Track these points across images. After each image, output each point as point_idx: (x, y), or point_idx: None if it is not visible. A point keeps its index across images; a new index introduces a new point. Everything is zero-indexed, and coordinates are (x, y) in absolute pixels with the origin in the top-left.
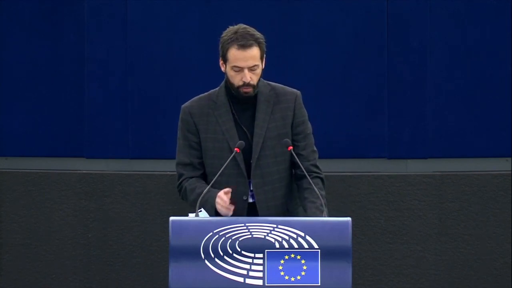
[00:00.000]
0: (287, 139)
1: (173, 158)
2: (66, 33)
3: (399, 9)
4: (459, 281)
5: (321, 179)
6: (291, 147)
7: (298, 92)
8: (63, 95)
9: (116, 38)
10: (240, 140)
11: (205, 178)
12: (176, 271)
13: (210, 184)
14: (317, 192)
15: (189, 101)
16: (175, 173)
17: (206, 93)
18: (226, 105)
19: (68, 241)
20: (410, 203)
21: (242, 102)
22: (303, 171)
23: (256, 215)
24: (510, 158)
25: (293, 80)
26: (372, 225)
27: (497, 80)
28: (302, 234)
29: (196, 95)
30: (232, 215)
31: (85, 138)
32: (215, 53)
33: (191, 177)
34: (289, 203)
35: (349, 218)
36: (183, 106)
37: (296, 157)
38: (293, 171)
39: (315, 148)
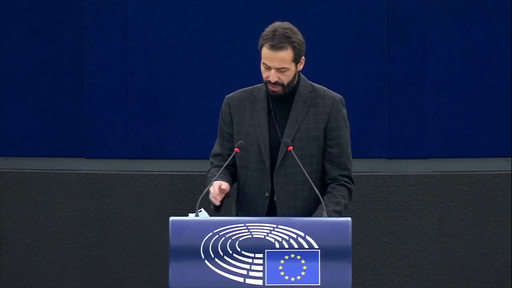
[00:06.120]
0: (287, 139)
1: (173, 158)
2: (66, 32)
3: (399, 9)
4: (459, 281)
5: (348, 189)
6: (291, 147)
7: (339, 97)
8: (63, 95)
9: (116, 38)
10: (270, 137)
11: (235, 169)
12: (176, 271)
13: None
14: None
15: (234, 92)
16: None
17: (250, 87)
18: (263, 101)
19: (68, 241)
20: (410, 203)
21: (281, 100)
22: (329, 179)
23: (276, 213)
24: (510, 158)
25: None
26: (372, 225)
27: (497, 80)
28: (302, 234)
29: (196, 95)
30: (253, 211)
31: (85, 138)
32: (215, 53)
33: (217, 166)
34: (315, 207)
35: (349, 218)
36: (226, 96)
37: (296, 157)
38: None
39: (350, 158)
